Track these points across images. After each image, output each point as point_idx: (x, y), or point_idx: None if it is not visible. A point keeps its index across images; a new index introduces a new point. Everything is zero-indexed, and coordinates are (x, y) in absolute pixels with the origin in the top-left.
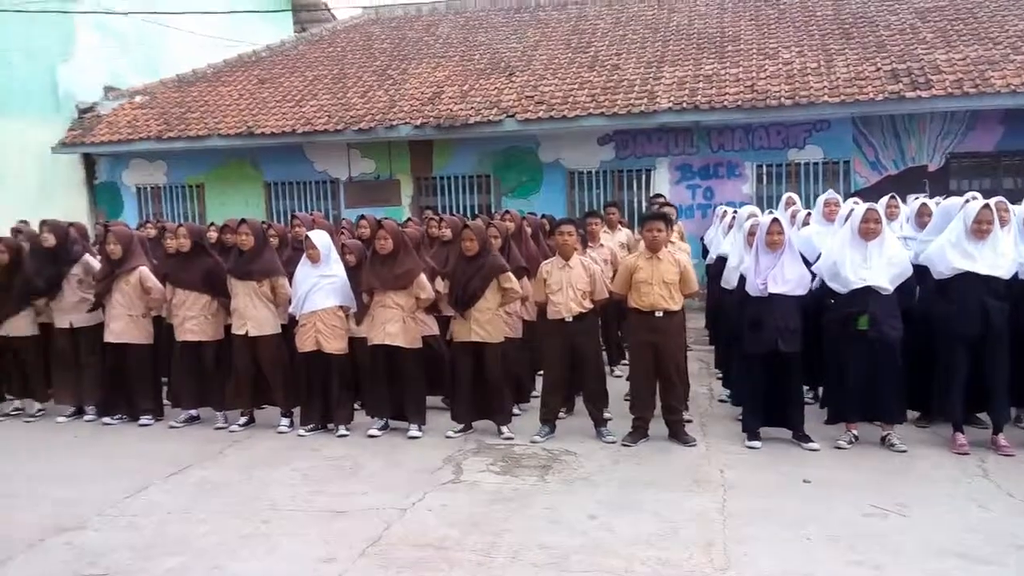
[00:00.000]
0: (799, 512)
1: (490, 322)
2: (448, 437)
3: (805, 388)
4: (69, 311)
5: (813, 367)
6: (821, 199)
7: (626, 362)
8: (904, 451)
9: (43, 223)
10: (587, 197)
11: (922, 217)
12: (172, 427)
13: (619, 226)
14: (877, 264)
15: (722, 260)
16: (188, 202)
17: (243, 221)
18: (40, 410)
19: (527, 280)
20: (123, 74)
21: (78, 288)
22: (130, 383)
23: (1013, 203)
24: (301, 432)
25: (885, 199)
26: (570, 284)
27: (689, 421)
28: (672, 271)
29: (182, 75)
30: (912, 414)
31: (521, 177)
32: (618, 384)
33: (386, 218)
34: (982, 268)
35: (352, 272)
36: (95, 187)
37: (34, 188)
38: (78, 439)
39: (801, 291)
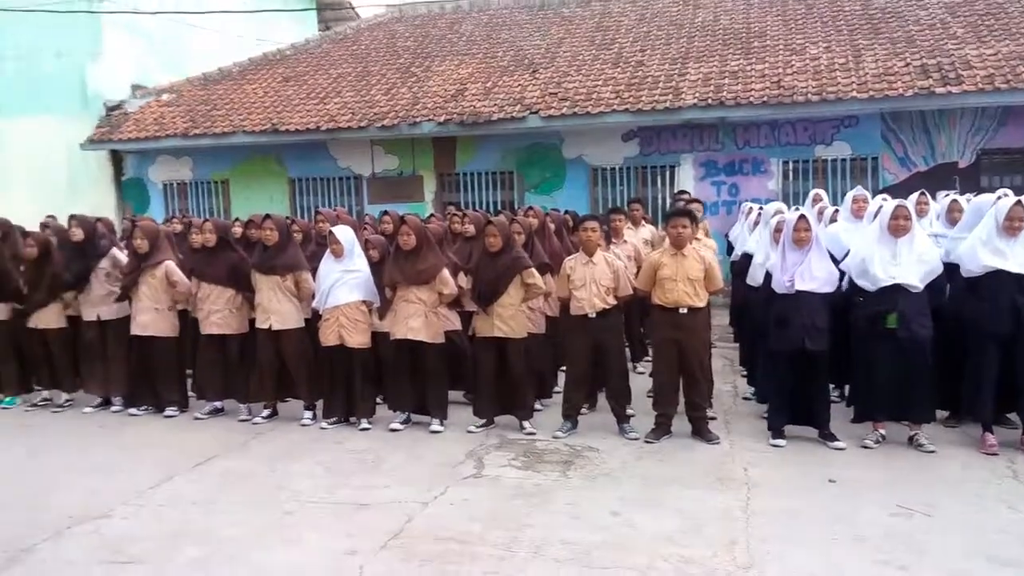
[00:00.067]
0: (824, 511)
1: (513, 318)
2: (470, 432)
3: (831, 386)
4: (97, 304)
5: (840, 364)
6: (849, 195)
7: (649, 359)
8: (933, 451)
9: (71, 218)
10: (610, 193)
11: (952, 214)
12: (197, 419)
13: (643, 222)
14: (907, 261)
15: (747, 257)
16: (213, 198)
17: (267, 216)
18: (67, 400)
19: (550, 276)
20: (150, 72)
21: (106, 281)
22: (156, 375)
23: None
24: (324, 425)
25: (915, 196)
26: (593, 280)
27: (713, 418)
28: (697, 268)
29: (208, 73)
30: (941, 414)
31: (544, 173)
32: (641, 381)
33: (409, 214)
34: (1014, 266)
35: (375, 267)
36: (122, 183)
37: (63, 184)
38: (104, 429)
39: (829, 288)
